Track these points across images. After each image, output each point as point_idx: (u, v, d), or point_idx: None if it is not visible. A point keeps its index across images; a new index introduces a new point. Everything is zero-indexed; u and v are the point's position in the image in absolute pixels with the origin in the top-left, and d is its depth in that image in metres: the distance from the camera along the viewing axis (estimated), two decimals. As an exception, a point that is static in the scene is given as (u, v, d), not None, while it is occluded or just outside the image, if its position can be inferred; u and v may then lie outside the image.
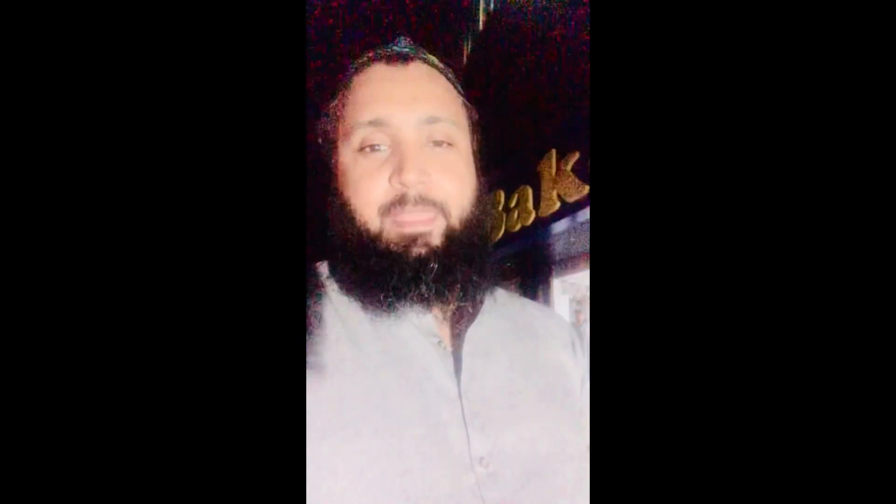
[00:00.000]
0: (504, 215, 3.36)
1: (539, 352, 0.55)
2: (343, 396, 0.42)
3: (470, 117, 0.56)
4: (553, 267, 3.58)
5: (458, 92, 0.55)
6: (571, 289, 3.65)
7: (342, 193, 0.50)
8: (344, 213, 0.49)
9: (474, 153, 0.55)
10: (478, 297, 0.51)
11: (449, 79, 0.55)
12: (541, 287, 3.65)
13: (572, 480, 0.47)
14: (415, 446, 0.42)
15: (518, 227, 3.20)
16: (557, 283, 3.60)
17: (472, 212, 0.51)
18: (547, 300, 3.61)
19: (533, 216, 3.06)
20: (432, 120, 0.50)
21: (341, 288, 0.50)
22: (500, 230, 3.40)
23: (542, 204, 2.98)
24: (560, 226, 2.92)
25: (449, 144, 0.50)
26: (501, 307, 0.56)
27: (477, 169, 0.54)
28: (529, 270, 3.70)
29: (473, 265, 0.49)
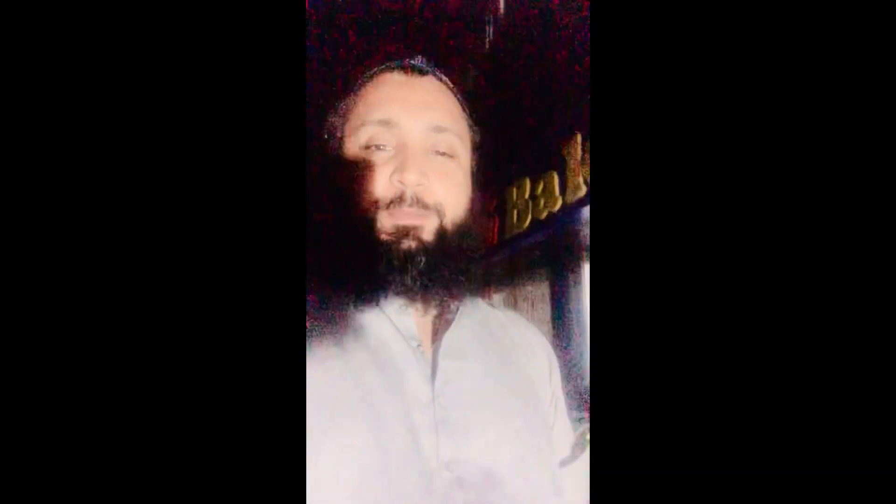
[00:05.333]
0: (531, 203, 3.33)
1: (511, 360, 0.58)
2: (329, 392, 0.45)
3: (473, 138, 0.59)
4: (584, 252, 3.53)
5: (465, 113, 0.59)
6: (603, 274, 3.60)
7: (343, 187, 0.53)
8: (341, 205, 0.52)
9: (472, 170, 0.59)
10: (458, 302, 0.54)
11: (458, 99, 0.59)
12: (571, 273, 3.61)
13: (538, 486, 0.49)
14: (392, 446, 0.45)
15: (545, 213, 3.17)
16: (588, 268, 3.55)
17: (464, 219, 0.54)
18: (578, 286, 3.57)
19: (560, 202, 3.03)
20: (439, 129, 0.54)
21: (328, 281, 0.51)
22: (527, 218, 3.38)
23: (568, 189, 2.94)
24: (588, 210, 2.88)
25: (450, 156, 0.54)
26: (479, 315, 0.61)
27: (473, 185, 0.58)
28: (560, 256, 3.67)
29: (460, 267, 0.52)
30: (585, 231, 3.25)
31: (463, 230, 0.54)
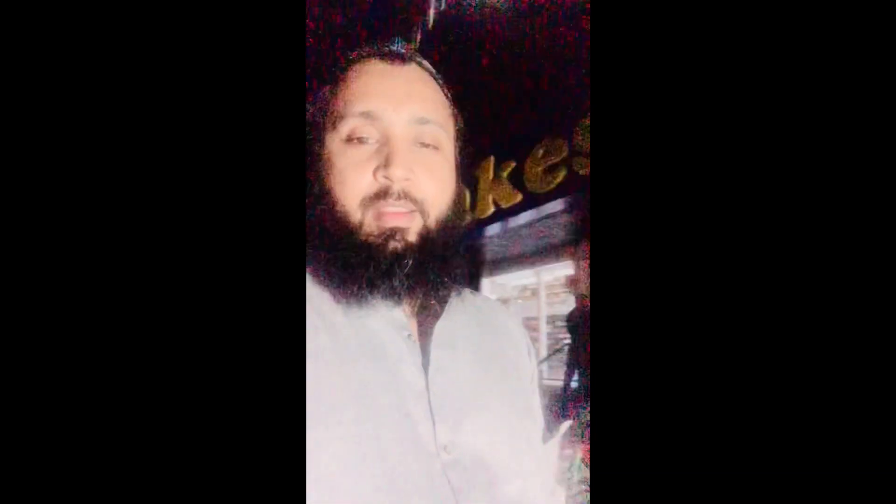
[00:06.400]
0: (440, 215, 3.44)
1: (498, 348, 0.61)
2: (325, 385, 0.46)
3: (456, 126, 0.59)
4: (483, 267, 3.73)
5: (448, 100, 0.59)
6: (499, 289, 3.84)
7: (324, 182, 0.52)
8: (325, 201, 0.51)
9: (456, 159, 0.58)
10: (445, 296, 0.55)
11: (440, 86, 0.58)
12: (470, 285, 3.79)
13: (527, 464, 0.53)
14: (390, 433, 0.46)
15: (453, 227, 3.30)
16: (486, 283, 3.76)
17: (448, 214, 0.54)
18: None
19: (468, 218, 3.17)
20: (422, 121, 0.52)
21: (314, 277, 0.52)
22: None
23: (477, 207, 3.10)
24: (492, 229, 3.06)
25: (435, 147, 0.53)
26: (467, 305, 0.60)
27: (457, 175, 0.58)
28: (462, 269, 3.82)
29: (445, 265, 0.53)
30: (488, 248, 3.44)
31: (446, 226, 0.53)
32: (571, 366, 4.78)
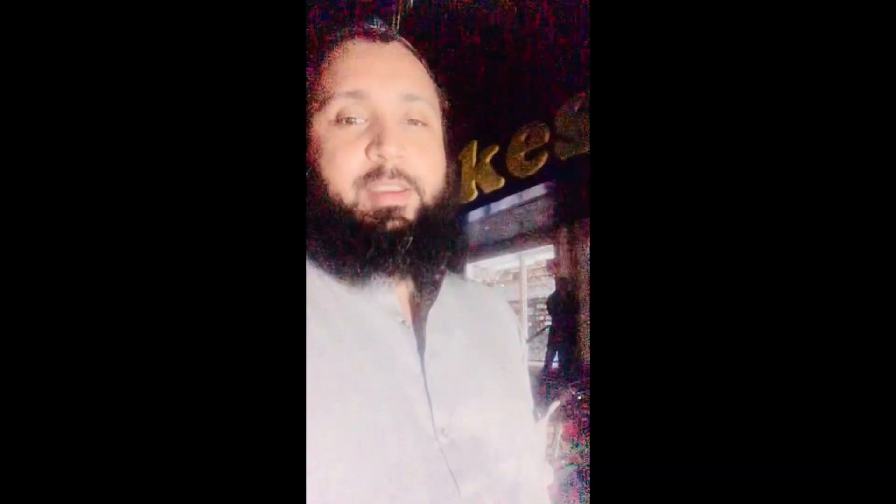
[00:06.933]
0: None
1: (490, 331, 0.62)
2: (322, 373, 0.46)
3: (441, 103, 0.59)
4: (467, 252, 3.77)
5: (432, 78, 0.59)
6: (482, 273, 3.87)
7: (315, 164, 0.52)
8: (317, 184, 0.51)
9: (444, 136, 0.58)
10: (442, 277, 0.55)
11: (424, 65, 0.59)
12: (454, 270, 3.82)
13: (520, 443, 0.55)
14: (387, 419, 0.47)
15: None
16: (470, 267, 3.80)
17: (442, 190, 0.54)
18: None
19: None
20: (410, 98, 0.53)
21: (310, 263, 0.52)
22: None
23: (461, 192, 3.12)
24: (476, 214, 3.08)
25: (424, 124, 0.54)
26: (458, 289, 0.61)
27: (446, 151, 0.58)
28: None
29: (446, 241, 0.54)
30: (471, 232, 3.46)
31: (442, 202, 0.53)
32: (552, 347, 4.89)
